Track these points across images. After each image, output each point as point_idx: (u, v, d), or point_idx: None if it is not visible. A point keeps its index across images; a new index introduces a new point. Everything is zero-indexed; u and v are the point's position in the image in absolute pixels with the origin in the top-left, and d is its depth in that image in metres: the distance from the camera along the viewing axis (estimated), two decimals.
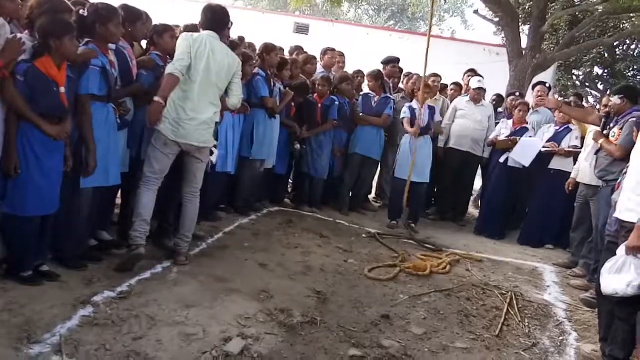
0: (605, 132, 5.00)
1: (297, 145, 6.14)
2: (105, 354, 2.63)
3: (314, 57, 6.83)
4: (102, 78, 3.49)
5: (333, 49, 7.15)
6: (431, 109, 6.44)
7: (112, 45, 3.68)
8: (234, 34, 5.47)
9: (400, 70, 7.46)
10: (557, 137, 6.29)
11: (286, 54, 6.68)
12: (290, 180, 6.90)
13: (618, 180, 4.33)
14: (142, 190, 3.81)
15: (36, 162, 3.13)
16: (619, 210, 3.29)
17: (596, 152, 4.99)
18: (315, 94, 6.26)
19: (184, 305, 3.28)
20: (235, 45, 4.56)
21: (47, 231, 3.34)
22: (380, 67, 7.10)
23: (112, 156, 3.69)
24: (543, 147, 6.22)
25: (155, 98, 3.63)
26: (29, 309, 2.91)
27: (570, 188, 5.82)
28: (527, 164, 6.27)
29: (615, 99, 4.90)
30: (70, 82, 3.27)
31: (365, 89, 6.98)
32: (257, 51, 5.61)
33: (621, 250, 3.08)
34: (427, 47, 5.83)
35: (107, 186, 3.73)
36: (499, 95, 8.06)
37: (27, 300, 2.99)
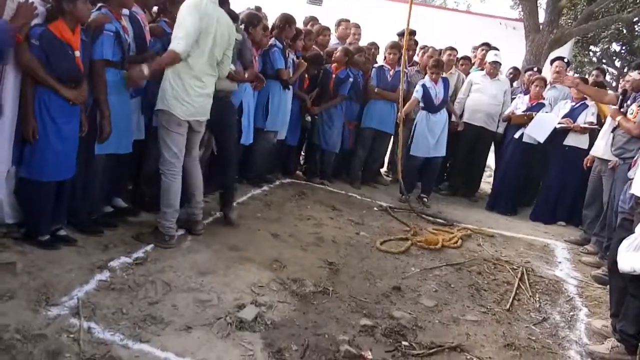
0: (622, 109, 4.92)
1: (308, 118, 6.11)
2: (122, 318, 2.68)
3: (328, 29, 6.75)
4: (116, 44, 3.49)
5: (347, 20, 7.06)
6: (445, 82, 6.39)
7: (125, 11, 3.65)
8: (251, 3, 5.42)
9: (416, 42, 7.35)
10: (573, 114, 6.20)
11: (300, 25, 6.60)
12: (302, 153, 6.90)
13: (635, 158, 4.30)
14: (170, 181, 3.69)
15: (54, 127, 3.14)
16: (636, 187, 3.26)
17: (613, 130, 4.93)
18: (334, 65, 6.19)
19: (199, 272, 3.33)
20: (235, 17, 4.47)
21: (64, 196, 3.37)
22: (396, 39, 7.00)
23: (125, 124, 3.71)
24: (559, 123, 6.15)
25: (145, 70, 3.47)
26: (48, 272, 2.96)
27: (588, 165, 5.75)
28: (542, 140, 6.20)
29: (635, 74, 4.81)
30: (85, 46, 3.26)
31: (379, 61, 6.90)
32: (277, 22, 5.54)
33: (639, 228, 3.07)
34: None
35: (121, 153, 3.75)
36: (515, 69, 7.95)
37: (45, 264, 3.04)
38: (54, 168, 3.20)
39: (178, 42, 3.49)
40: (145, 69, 3.48)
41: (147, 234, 3.71)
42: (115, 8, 3.52)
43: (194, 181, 3.97)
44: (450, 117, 6.69)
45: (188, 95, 3.62)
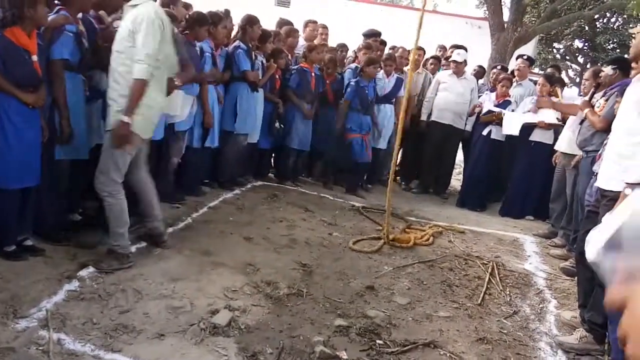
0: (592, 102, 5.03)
1: (277, 124, 6.06)
2: (93, 328, 2.64)
3: (296, 30, 6.75)
4: (75, 45, 3.46)
5: (315, 22, 7.08)
6: (398, 81, 6.65)
7: (79, 15, 3.61)
8: (220, 6, 5.39)
9: (383, 43, 7.41)
10: (537, 110, 6.33)
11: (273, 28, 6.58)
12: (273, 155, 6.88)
13: (599, 152, 4.40)
14: (118, 200, 3.36)
15: (15, 133, 3.08)
16: (601, 179, 3.36)
17: (581, 122, 5.04)
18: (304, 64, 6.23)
19: (171, 279, 3.29)
20: (174, 16, 4.36)
21: (29, 205, 3.30)
22: (362, 39, 7.07)
23: (82, 129, 3.64)
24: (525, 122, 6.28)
25: (125, 119, 3.17)
26: (15, 284, 2.90)
27: (557, 161, 5.87)
28: (517, 133, 6.31)
29: (608, 70, 4.91)
30: (42, 50, 3.23)
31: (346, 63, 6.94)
32: (240, 23, 5.52)
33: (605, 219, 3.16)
34: None
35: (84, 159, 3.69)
36: (480, 67, 8.08)
37: (11, 275, 2.98)
38: (18, 175, 3.14)
39: (144, 63, 3.16)
40: (127, 120, 3.19)
41: (106, 260, 3.34)
42: (73, 11, 3.47)
43: (150, 197, 3.69)
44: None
45: (151, 109, 3.35)
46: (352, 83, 6.26)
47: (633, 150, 3.13)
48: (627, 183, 2.94)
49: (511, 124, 6.33)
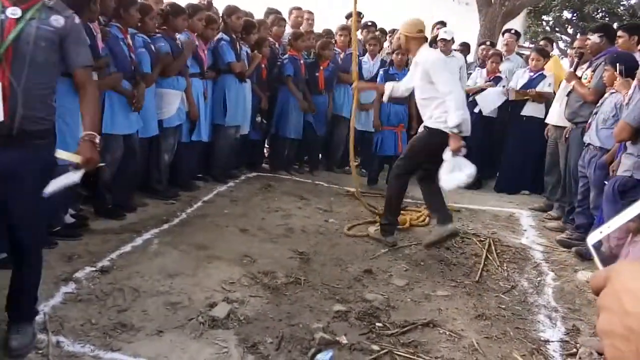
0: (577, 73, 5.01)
1: (259, 118, 5.99)
2: (92, 328, 2.64)
3: (284, 19, 6.67)
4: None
5: (299, 8, 7.00)
6: (382, 63, 6.55)
7: None
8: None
9: (373, 24, 7.38)
10: (531, 84, 6.29)
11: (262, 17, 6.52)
12: (266, 145, 6.85)
13: (589, 122, 4.40)
14: None
15: None
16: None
17: (568, 94, 5.02)
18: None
19: (167, 275, 3.29)
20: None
21: None
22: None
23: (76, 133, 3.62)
24: (510, 100, 6.27)
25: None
26: None
27: (548, 134, 5.86)
28: (485, 112, 6.31)
29: (594, 38, 4.87)
30: None
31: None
32: (221, 15, 5.47)
33: (447, 154, 3.79)
34: None
35: None
36: (464, 44, 8.02)
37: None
38: None
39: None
40: None
41: None
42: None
43: None
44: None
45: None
46: (382, 72, 6.18)
47: None
48: None
49: (486, 100, 6.32)
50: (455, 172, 3.78)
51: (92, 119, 2.42)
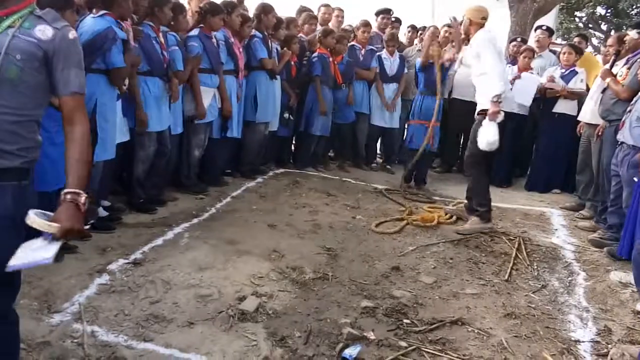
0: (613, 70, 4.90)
1: (287, 115, 6.01)
2: (125, 319, 2.71)
3: (315, 17, 6.67)
4: None
5: (328, 5, 7.01)
6: (402, 59, 6.70)
7: None
8: None
9: (398, 20, 7.35)
10: (563, 80, 6.20)
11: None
12: (294, 142, 6.88)
13: (622, 119, 4.31)
14: None
15: (46, 135, 3.13)
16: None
17: (603, 91, 4.92)
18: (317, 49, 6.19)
19: (198, 268, 3.35)
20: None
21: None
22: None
23: (113, 129, 3.72)
24: (546, 87, 6.14)
25: None
26: (47, 280, 2.97)
27: (581, 131, 5.74)
28: (528, 104, 6.20)
29: (633, 34, 4.77)
30: None
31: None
32: (255, 12, 5.52)
33: (485, 120, 4.40)
34: None
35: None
36: None
37: (44, 272, 3.05)
38: (54, 177, 3.18)
39: None
40: None
41: None
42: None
43: None
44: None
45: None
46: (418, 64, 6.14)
47: None
48: None
49: (523, 91, 6.21)
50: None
51: (79, 170, 1.80)
